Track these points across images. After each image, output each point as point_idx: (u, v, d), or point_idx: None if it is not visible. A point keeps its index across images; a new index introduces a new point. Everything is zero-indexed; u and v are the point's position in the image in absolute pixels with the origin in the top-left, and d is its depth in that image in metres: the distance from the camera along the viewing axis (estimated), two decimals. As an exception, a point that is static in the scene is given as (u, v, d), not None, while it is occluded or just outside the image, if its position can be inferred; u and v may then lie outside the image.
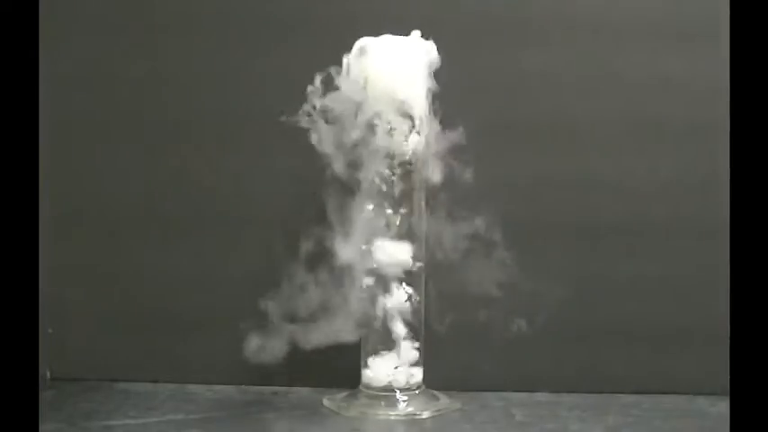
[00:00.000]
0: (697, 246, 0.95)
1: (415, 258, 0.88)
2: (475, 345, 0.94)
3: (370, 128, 0.87)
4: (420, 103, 0.87)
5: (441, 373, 0.92)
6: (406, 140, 0.87)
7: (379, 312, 0.88)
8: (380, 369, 0.88)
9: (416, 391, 0.89)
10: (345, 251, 0.87)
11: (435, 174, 0.89)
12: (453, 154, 0.89)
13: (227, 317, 0.98)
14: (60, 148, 0.97)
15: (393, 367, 0.88)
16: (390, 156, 0.87)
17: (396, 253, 0.88)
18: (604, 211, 0.96)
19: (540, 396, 0.94)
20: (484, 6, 0.97)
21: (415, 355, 0.89)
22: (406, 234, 0.88)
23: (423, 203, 0.89)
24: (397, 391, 0.88)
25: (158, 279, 0.99)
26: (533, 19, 0.96)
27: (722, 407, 0.89)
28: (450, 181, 0.90)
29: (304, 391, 0.95)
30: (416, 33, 0.87)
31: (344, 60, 0.87)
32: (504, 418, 0.87)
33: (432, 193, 0.90)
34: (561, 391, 0.95)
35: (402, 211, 0.88)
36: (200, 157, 0.99)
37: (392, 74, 0.86)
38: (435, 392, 0.91)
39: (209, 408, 0.89)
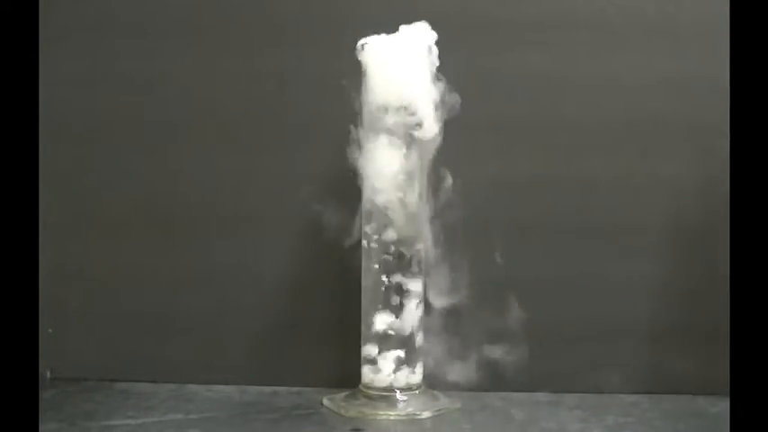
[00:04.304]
0: (697, 246, 0.95)
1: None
2: (474, 344, 0.94)
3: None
4: (424, 102, 0.87)
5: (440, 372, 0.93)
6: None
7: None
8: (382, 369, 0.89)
9: (416, 391, 0.89)
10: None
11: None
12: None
13: (227, 317, 0.98)
14: (60, 148, 0.97)
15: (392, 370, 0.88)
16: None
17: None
18: (604, 211, 0.96)
19: (540, 396, 0.94)
20: (483, 6, 0.97)
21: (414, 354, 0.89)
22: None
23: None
24: (397, 391, 0.88)
25: (158, 279, 0.99)
26: (533, 19, 0.96)
27: (722, 407, 0.89)
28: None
29: (304, 391, 0.95)
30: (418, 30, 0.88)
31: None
32: (504, 418, 0.87)
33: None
34: (561, 391, 0.95)
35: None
36: (200, 157, 0.99)
37: (394, 71, 0.86)
38: (435, 392, 0.91)
39: (209, 408, 0.89)
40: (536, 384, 0.95)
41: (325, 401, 0.90)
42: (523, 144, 0.96)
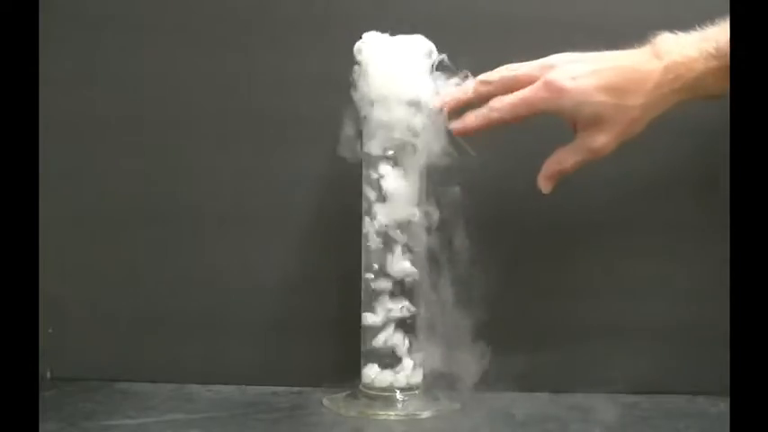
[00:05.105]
0: (697, 245, 0.95)
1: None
2: (473, 344, 0.94)
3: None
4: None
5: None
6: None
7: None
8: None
9: (416, 391, 0.89)
10: None
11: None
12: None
13: (227, 317, 0.98)
14: (60, 148, 0.97)
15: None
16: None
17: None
18: (603, 210, 0.96)
19: (540, 396, 0.94)
20: (483, 7, 0.97)
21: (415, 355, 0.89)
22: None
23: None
24: (397, 391, 0.88)
25: (158, 279, 0.99)
26: (533, 20, 0.96)
27: (722, 407, 0.89)
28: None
29: (304, 391, 0.95)
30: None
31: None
32: (504, 418, 0.87)
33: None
34: (561, 391, 0.95)
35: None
36: (200, 157, 0.99)
37: (393, 71, 0.86)
38: (435, 392, 0.91)
39: (209, 408, 0.89)
40: (536, 384, 0.95)
41: (325, 401, 0.90)
42: (522, 143, 0.96)
